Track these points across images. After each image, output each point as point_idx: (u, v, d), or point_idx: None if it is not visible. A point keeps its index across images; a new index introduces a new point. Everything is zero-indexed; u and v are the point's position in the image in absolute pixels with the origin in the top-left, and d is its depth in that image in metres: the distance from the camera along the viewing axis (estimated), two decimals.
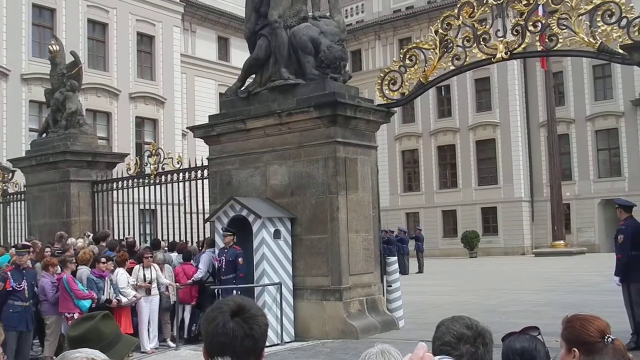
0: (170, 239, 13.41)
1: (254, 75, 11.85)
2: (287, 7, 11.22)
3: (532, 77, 37.54)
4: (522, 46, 10.18)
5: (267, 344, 1.88)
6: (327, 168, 10.53)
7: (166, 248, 12.22)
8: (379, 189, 11.83)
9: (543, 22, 10.03)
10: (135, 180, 14.31)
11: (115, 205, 15.01)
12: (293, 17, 11.14)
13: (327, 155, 10.56)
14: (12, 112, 25.51)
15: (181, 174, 13.32)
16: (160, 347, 10.47)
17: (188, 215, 13.48)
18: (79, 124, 15.49)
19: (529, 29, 9.99)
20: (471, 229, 37.01)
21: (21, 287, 8.73)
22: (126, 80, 29.50)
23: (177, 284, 10.73)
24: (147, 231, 19.14)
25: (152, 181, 13.90)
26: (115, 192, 14.91)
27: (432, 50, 10.79)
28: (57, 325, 9.39)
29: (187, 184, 13.10)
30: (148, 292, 10.26)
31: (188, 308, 10.96)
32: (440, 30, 10.68)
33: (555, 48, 9.88)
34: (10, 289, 8.67)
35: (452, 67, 10.78)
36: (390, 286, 11.41)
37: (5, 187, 17.95)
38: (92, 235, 13.38)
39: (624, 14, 9.17)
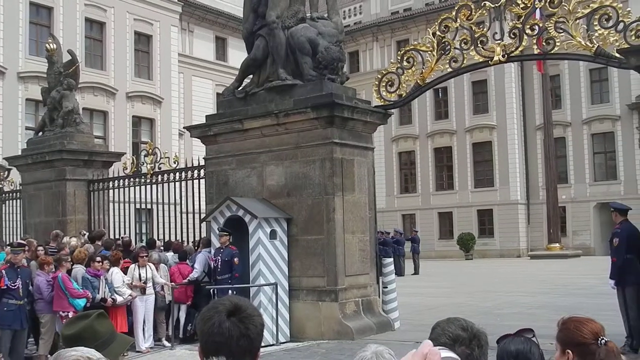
0: (166, 239, 13.39)
1: (251, 76, 11.85)
2: (285, 8, 11.23)
3: (529, 80, 37.61)
4: (520, 49, 10.20)
5: (263, 344, 1.87)
6: (323, 169, 10.54)
7: (162, 247, 12.20)
8: (376, 190, 11.83)
9: (540, 25, 10.05)
10: (132, 179, 14.30)
11: (111, 205, 15.00)
12: (291, 18, 11.14)
13: (324, 156, 10.56)
14: (9, 111, 25.45)
15: (177, 174, 13.31)
16: (156, 346, 10.46)
17: (184, 215, 13.48)
18: (76, 122, 15.48)
19: (527, 32, 10.01)
20: (467, 231, 37.06)
21: (16, 285, 8.71)
22: (123, 79, 29.46)
23: (173, 283, 10.72)
24: (143, 230, 19.12)
25: (148, 180, 13.89)
26: (111, 191, 14.89)
27: (429, 52, 10.80)
28: (52, 324, 9.37)
29: (183, 183, 13.10)
30: (143, 291, 10.25)
31: (183, 308, 10.94)
32: (438, 33, 10.69)
33: (552, 51, 9.90)
34: (5, 287, 8.65)
35: (450, 70, 10.79)
36: (386, 287, 11.42)
37: (1, 186, 17.91)
38: (87, 234, 13.36)
39: (621, 18, 9.19)
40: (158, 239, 13.20)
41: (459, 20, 10.53)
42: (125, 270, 10.30)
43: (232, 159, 11.57)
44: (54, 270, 9.45)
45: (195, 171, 12.75)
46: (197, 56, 34.87)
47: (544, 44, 9.94)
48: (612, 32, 9.22)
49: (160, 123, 30.96)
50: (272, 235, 10.41)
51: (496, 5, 10.29)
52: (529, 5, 9.90)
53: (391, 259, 12.62)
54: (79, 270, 9.64)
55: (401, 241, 25.37)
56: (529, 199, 37.69)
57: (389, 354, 1.75)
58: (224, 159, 11.69)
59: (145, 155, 14.15)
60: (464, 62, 10.65)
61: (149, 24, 30.78)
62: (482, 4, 10.43)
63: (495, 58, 10.30)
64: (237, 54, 30.26)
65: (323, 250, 10.41)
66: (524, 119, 38.00)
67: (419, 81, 10.98)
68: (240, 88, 11.81)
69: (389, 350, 1.76)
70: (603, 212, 32.92)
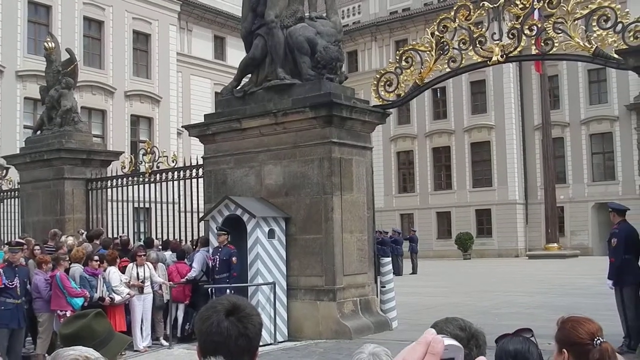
0: (165, 238, 13.39)
1: (250, 75, 11.85)
2: (284, 7, 11.22)
3: (528, 81, 37.63)
4: (518, 49, 10.21)
5: (260, 343, 1.87)
6: (322, 168, 10.54)
7: (160, 246, 12.20)
8: (374, 189, 11.84)
9: (539, 25, 10.05)
10: (130, 178, 14.29)
11: (109, 203, 14.97)
12: (290, 18, 11.14)
13: (322, 155, 10.57)
14: (7, 109, 25.42)
15: (176, 173, 13.31)
16: (154, 345, 10.45)
17: (182, 214, 13.47)
18: (74, 121, 15.46)
19: (525, 32, 10.01)
20: (465, 230, 37.07)
21: (13, 284, 8.71)
22: (122, 78, 29.43)
23: (171, 282, 10.72)
24: (141, 229, 19.10)
25: (146, 179, 13.88)
26: (109, 190, 14.88)
27: (428, 52, 10.81)
28: (50, 323, 9.36)
29: (181, 182, 13.09)
30: (141, 290, 10.24)
31: (181, 307, 10.94)
32: (437, 33, 10.70)
33: (550, 52, 9.91)
34: (2, 286, 8.64)
35: (448, 70, 10.79)
36: (384, 287, 11.43)
37: None
38: (85, 233, 13.34)
39: (619, 19, 9.20)
40: (156, 238, 13.20)
41: (457, 21, 10.53)
42: (123, 269, 10.30)
43: (231, 158, 11.57)
44: (52, 269, 9.45)
45: (194, 170, 12.75)
46: (195, 55, 34.85)
47: (542, 44, 9.95)
48: (610, 32, 9.23)
49: (159, 122, 30.94)
50: (271, 234, 10.41)
51: (495, 5, 10.29)
52: (527, 5, 9.91)
53: (389, 259, 12.62)
54: (77, 269, 9.63)
55: (399, 241, 25.38)
56: (527, 199, 37.71)
57: (387, 355, 1.74)
58: (222, 158, 11.69)
59: (143, 154, 14.13)
60: (463, 62, 10.65)
61: (147, 23, 30.75)
62: (481, 4, 10.43)
63: (494, 58, 10.31)
64: (236, 53, 30.26)
65: (321, 250, 10.42)
66: (522, 119, 38.02)
67: (417, 81, 10.98)
68: (239, 87, 11.81)
69: (386, 351, 1.75)
70: (601, 212, 32.93)
